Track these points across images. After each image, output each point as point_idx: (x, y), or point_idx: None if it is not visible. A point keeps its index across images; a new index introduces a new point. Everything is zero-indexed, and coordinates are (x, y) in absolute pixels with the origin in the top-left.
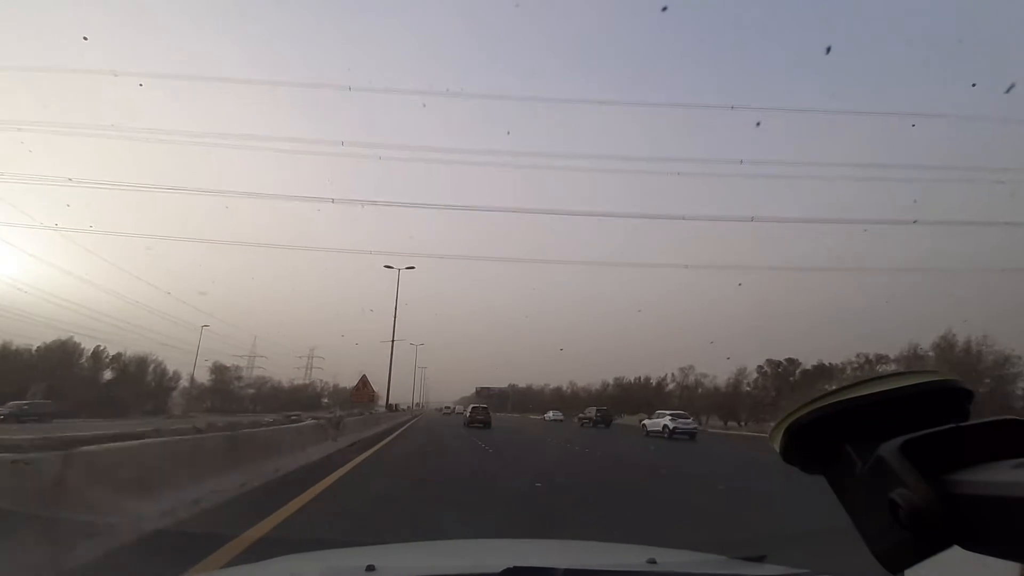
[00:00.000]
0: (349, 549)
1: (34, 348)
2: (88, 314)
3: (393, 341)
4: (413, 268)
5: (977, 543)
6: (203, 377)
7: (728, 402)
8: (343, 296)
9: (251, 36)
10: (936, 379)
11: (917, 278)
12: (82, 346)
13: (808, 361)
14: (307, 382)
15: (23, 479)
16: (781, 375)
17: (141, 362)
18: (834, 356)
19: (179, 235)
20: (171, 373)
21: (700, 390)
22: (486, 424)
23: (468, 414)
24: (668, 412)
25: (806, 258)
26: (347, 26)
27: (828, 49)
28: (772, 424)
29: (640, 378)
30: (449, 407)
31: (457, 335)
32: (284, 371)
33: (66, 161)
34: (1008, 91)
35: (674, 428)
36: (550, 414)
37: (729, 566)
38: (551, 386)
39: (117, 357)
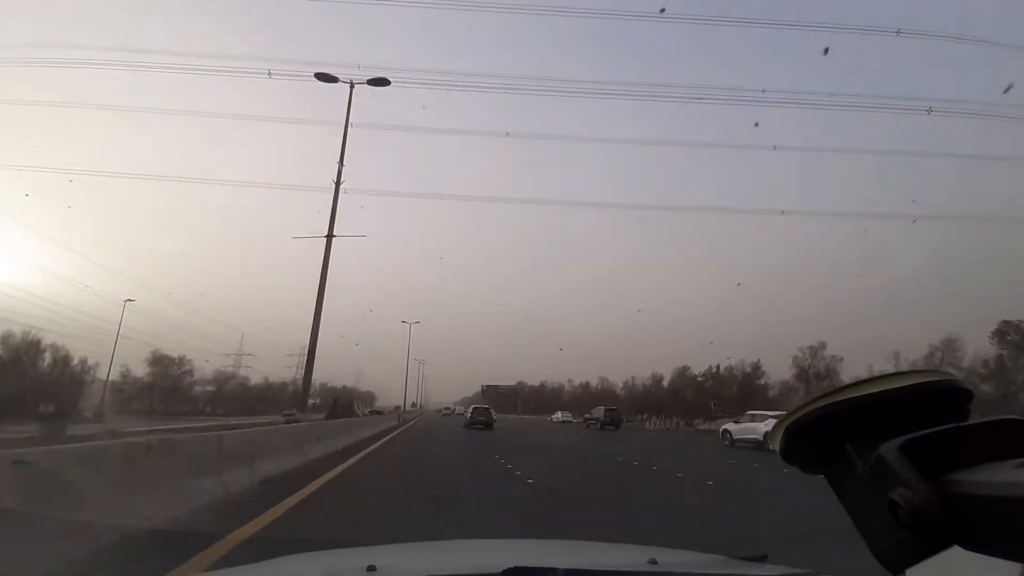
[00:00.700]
0: (350, 549)
1: None
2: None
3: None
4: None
5: (977, 543)
6: (141, 370)
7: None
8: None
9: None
10: (936, 379)
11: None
12: None
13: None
14: (285, 380)
15: None
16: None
17: (31, 347)
18: None
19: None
20: (77, 362)
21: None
22: (487, 425)
23: (469, 415)
24: (771, 413)
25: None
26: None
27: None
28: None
29: (719, 368)
30: (449, 408)
31: (459, 331)
32: (276, 370)
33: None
34: (1007, 91)
35: None
36: (558, 415)
37: (730, 566)
38: (575, 382)
39: None
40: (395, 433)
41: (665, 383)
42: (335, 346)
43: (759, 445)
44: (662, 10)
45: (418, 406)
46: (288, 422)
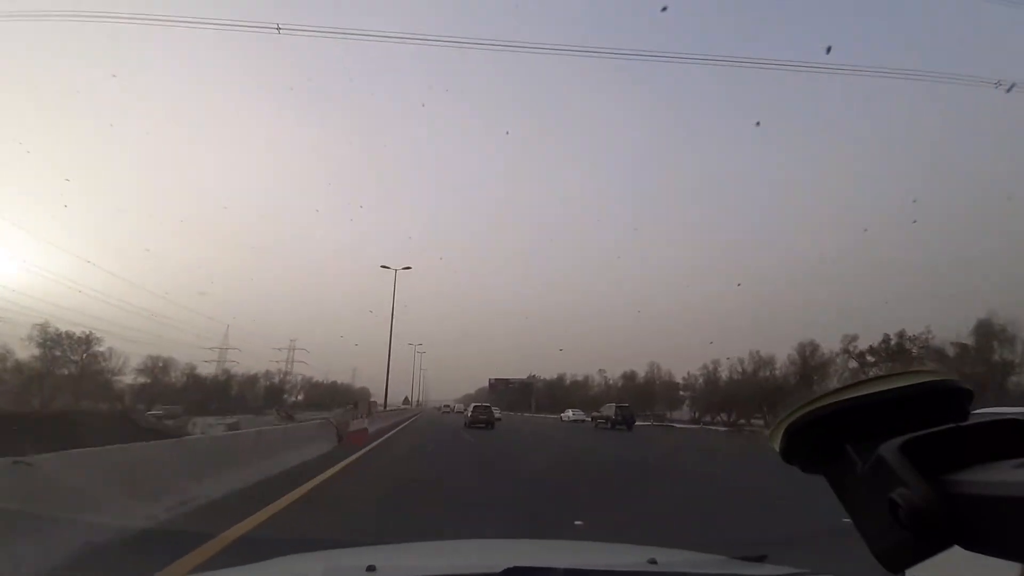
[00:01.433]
0: (350, 549)
1: None
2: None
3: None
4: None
5: (977, 543)
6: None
7: None
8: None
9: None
10: (936, 379)
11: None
12: None
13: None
14: (257, 374)
15: None
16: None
17: None
18: None
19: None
20: None
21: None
22: (489, 424)
23: (469, 413)
24: None
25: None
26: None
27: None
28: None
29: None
30: (448, 406)
31: (462, 327)
32: (264, 365)
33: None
34: (1009, 90)
35: None
36: (569, 413)
37: (729, 566)
38: (607, 374)
39: None
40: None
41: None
42: (332, 342)
43: None
44: (664, 9)
45: (413, 403)
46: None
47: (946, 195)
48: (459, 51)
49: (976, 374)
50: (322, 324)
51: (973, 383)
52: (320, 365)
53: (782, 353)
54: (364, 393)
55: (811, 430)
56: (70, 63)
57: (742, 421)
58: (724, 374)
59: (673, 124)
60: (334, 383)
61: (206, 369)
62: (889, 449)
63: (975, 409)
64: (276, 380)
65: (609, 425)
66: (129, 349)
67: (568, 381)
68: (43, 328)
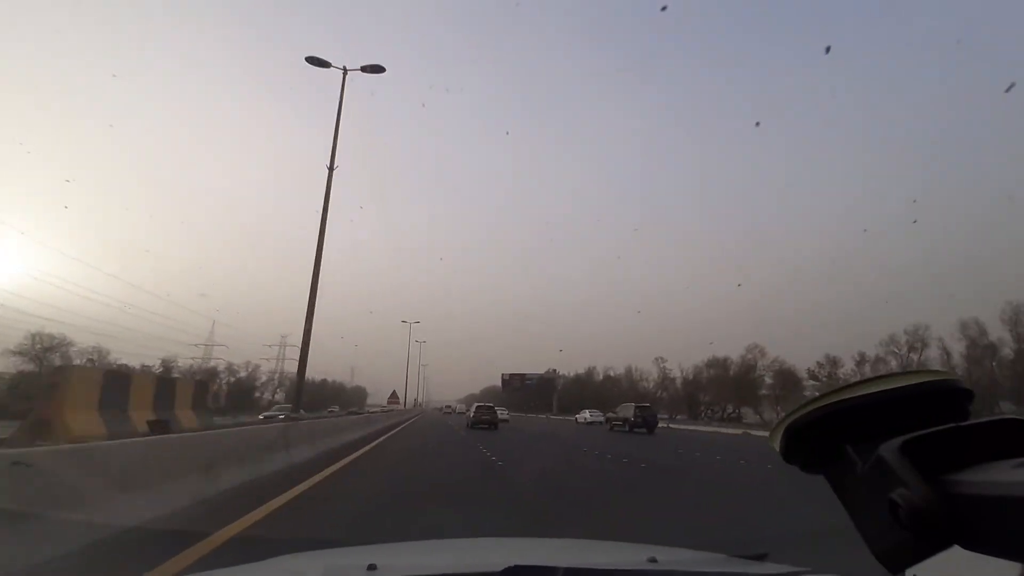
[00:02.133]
0: (350, 548)
1: None
2: None
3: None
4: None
5: (977, 543)
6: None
7: None
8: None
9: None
10: (936, 379)
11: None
12: None
13: None
14: (208, 366)
15: None
16: None
17: None
18: None
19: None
20: None
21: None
22: (492, 425)
23: (472, 414)
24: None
25: None
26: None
27: (828, 49)
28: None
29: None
30: (450, 406)
31: (462, 327)
32: (258, 364)
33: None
34: (1008, 90)
35: None
36: (586, 414)
37: (730, 564)
38: (666, 363)
39: None
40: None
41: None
42: (330, 341)
43: None
44: (663, 8)
45: (409, 402)
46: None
47: (946, 195)
48: (459, 51)
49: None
50: (322, 324)
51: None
52: (319, 363)
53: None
54: (359, 392)
55: (811, 430)
56: (71, 64)
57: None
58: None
59: (672, 124)
60: (324, 381)
61: (188, 366)
62: (889, 449)
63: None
64: (244, 375)
65: (627, 428)
66: (111, 346)
67: (600, 375)
68: (37, 334)
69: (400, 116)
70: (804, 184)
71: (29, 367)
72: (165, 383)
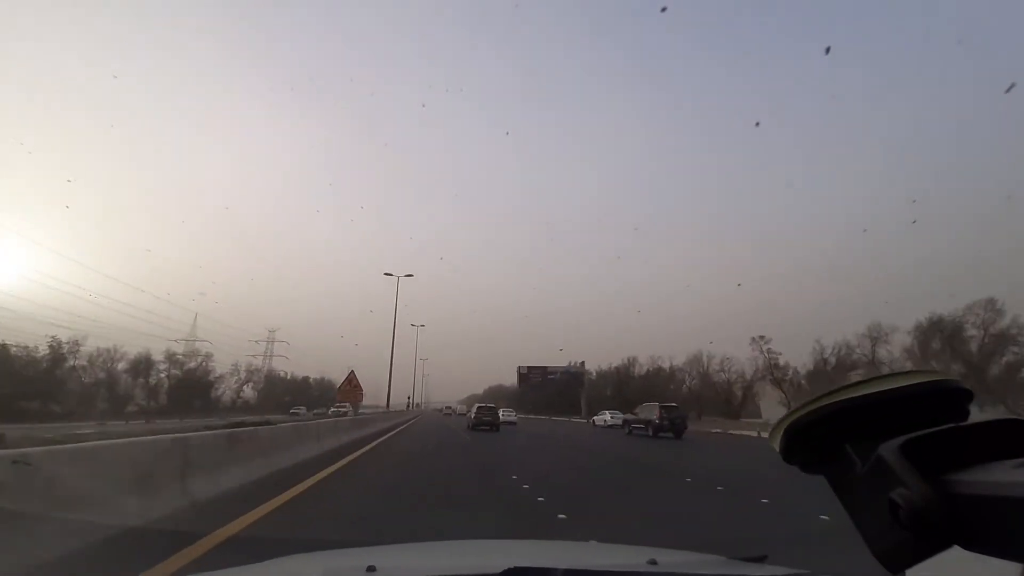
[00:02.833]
0: (349, 550)
1: None
2: None
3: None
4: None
5: (977, 543)
6: None
7: None
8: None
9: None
10: (936, 379)
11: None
12: None
13: None
14: (193, 365)
15: None
16: None
17: None
18: None
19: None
20: None
21: None
22: (493, 426)
23: (473, 415)
24: None
25: None
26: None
27: (828, 49)
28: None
29: None
30: (450, 407)
31: (464, 327)
32: (239, 358)
33: None
34: (1008, 90)
35: None
36: (606, 416)
37: (729, 566)
38: (769, 344)
39: None
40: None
41: None
42: (330, 341)
43: None
44: (663, 9)
45: (419, 405)
46: None
47: (946, 195)
48: (459, 51)
49: None
50: (322, 323)
51: None
52: (318, 363)
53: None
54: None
55: (811, 430)
56: (71, 64)
57: None
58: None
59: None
60: (305, 379)
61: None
62: (889, 449)
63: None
64: (194, 365)
65: (650, 432)
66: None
67: (646, 368)
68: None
69: (400, 116)
70: (804, 184)
71: None
72: None
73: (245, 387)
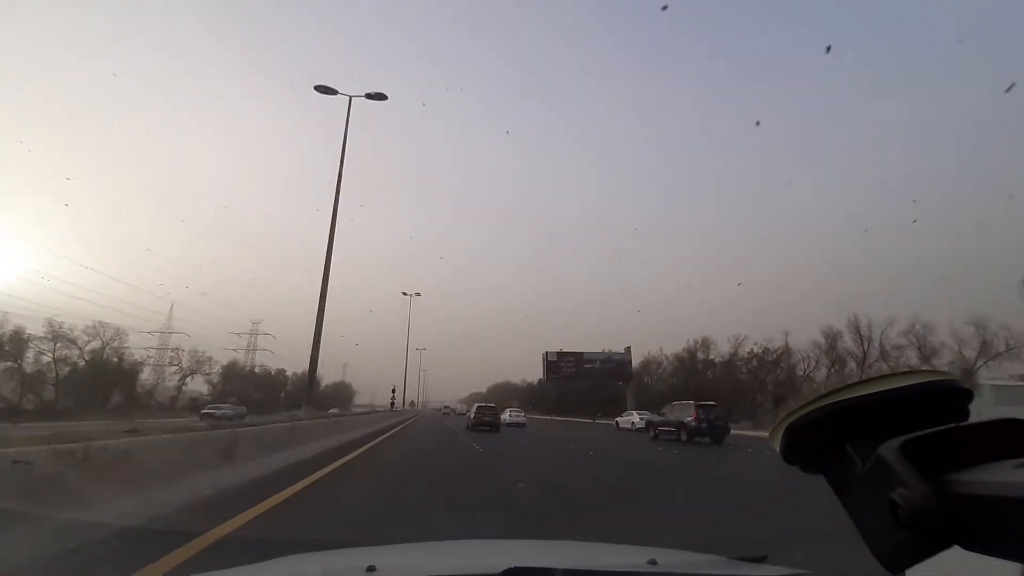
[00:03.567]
0: (349, 549)
1: None
2: None
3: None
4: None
5: (977, 543)
6: None
7: None
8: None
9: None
10: (936, 379)
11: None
12: None
13: None
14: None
15: None
16: None
17: None
18: None
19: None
20: None
21: None
22: (493, 426)
23: (473, 415)
24: None
25: None
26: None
27: (828, 49)
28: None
29: None
30: (449, 407)
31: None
32: (218, 351)
33: None
34: (1008, 90)
35: None
36: (635, 417)
37: (729, 566)
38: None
39: None
40: None
41: None
42: (329, 340)
43: None
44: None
45: (418, 404)
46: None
47: (946, 195)
48: (459, 51)
49: None
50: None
51: None
52: (287, 354)
53: None
54: (345, 390)
55: (811, 430)
56: (71, 62)
57: None
58: None
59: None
60: (268, 372)
61: (142, 356)
62: (889, 449)
63: None
64: (107, 348)
65: (685, 436)
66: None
67: (729, 353)
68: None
69: (400, 115)
70: (804, 184)
71: None
72: None
73: (190, 378)
